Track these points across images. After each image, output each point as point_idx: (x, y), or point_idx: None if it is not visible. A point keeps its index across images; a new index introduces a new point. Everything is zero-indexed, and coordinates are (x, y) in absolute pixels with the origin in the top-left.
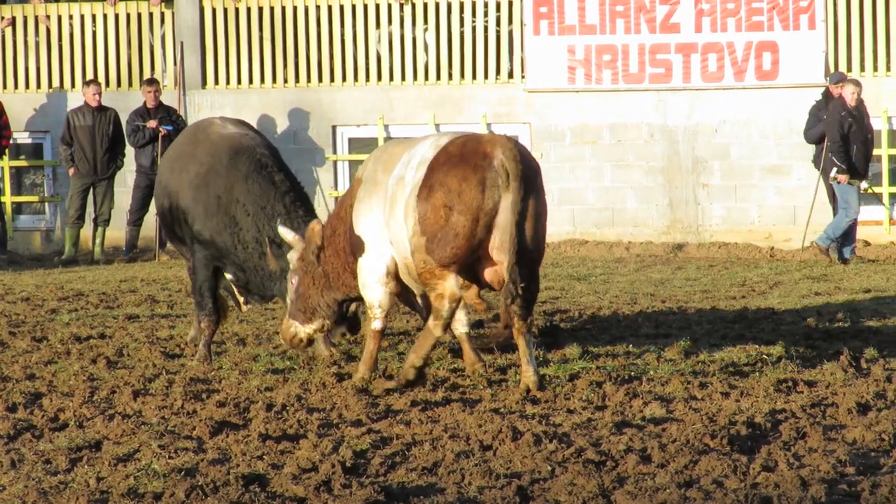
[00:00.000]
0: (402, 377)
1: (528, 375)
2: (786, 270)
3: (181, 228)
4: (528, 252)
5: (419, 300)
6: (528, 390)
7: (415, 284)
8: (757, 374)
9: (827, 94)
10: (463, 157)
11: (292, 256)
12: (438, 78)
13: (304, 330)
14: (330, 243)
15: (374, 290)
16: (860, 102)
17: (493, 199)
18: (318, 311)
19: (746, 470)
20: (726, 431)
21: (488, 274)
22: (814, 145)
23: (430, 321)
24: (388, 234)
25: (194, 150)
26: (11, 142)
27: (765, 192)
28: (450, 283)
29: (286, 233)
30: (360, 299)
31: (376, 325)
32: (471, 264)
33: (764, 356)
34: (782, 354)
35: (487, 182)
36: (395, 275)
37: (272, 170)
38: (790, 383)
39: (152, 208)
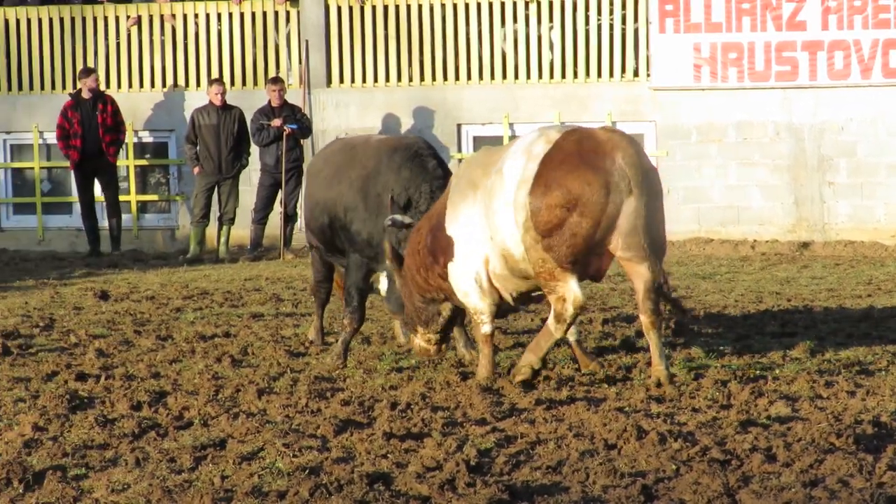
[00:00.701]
0: (517, 375)
1: (659, 369)
2: None
3: (341, 239)
4: (654, 252)
5: (509, 298)
6: (659, 383)
7: (513, 279)
8: (883, 373)
9: None
10: (582, 157)
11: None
12: (563, 76)
13: (414, 340)
14: (410, 243)
15: (473, 295)
16: None
17: (616, 202)
18: (412, 318)
19: (872, 469)
20: (852, 430)
21: (594, 265)
22: None
23: (552, 323)
24: (487, 230)
25: (353, 161)
26: (136, 140)
27: (891, 190)
28: (572, 286)
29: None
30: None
31: (485, 329)
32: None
33: (891, 355)
34: None
35: (612, 186)
36: (489, 276)
37: (425, 157)
38: None
39: (277, 207)
